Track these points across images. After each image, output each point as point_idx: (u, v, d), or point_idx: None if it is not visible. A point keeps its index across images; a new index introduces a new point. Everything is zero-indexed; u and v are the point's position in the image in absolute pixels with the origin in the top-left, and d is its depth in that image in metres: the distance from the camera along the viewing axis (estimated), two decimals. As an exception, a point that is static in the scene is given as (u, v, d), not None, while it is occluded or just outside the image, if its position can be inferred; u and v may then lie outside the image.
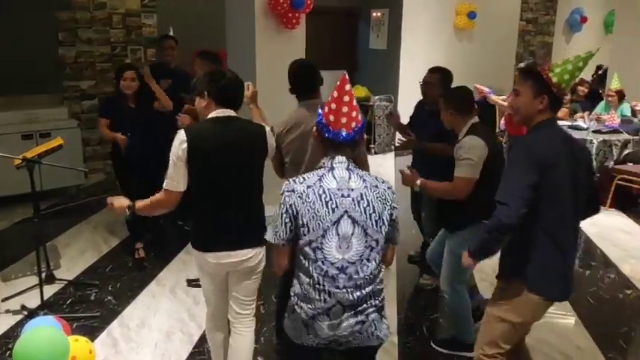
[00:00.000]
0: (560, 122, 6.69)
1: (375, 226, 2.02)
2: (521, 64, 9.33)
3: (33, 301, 3.80)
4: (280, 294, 3.20)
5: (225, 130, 2.50)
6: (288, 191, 2.02)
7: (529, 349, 3.36)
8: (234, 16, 5.69)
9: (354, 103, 2.03)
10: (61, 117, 6.41)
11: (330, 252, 1.99)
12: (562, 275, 2.41)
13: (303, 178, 2.05)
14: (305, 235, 2.00)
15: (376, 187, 2.06)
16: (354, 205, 2.00)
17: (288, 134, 2.96)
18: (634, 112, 6.92)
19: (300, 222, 1.99)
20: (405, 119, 4.53)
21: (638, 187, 6.18)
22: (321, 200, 1.98)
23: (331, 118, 2.01)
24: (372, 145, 8.60)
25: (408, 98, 8.29)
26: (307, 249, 2.01)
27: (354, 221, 2.00)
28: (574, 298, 4.15)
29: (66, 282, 4.18)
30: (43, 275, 3.94)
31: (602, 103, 7.26)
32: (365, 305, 2.04)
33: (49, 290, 4.01)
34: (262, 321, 3.71)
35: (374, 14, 9.07)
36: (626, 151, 6.15)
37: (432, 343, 3.54)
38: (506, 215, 2.21)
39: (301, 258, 2.05)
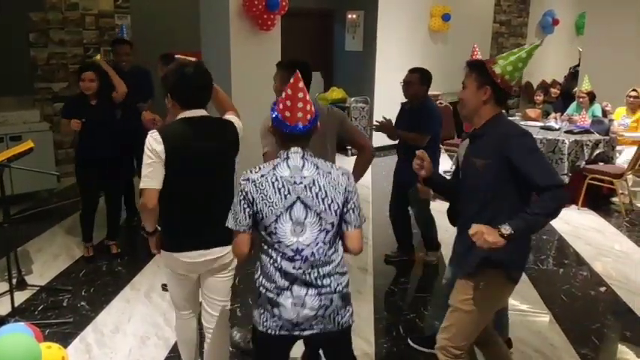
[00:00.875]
0: (532, 123, 6.87)
1: (328, 210, 2.12)
2: None
3: (3, 307, 3.73)
4: None
5: (198, 131, 2.51)
6: (244, 180, 2.13)
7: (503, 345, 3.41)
8: (209, 17, 5.65)
9: (307, 97, 2.12)
10: (32, 119, 6.30)
11: (285, 235, 2.11)
12: (527, 255, 2.50)
13: (259, 167, 2.16)
14: (261, 220, 2.12)
15: (329, 173, 2.16)
16: (306, 191, 2.11)
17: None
18: (604, 113, 7.06)
19: (256, 208, 2.11)
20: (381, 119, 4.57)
21: (609, 187, 6.31)
22: (273, 187, 2.10)
23: (287, 114, 2.10)
24: (348, 147, 8.61)
25: (383, 99, 8.35)
26: (264, 233, 2.14)
27: (307, 206, 2.11)
28: (548, 296, 4.23)
29: (38, 288, 4.10)
30: (14, 281, 3.87)
31: (573, 104, 7.40)
32: (327, 288, 2.13)
33: (21, 296, 3.93)
34: (239, 324, 3.70)
35: (349, 16, 9.10)
36: (597, 151, 6.26)
37: (409, 341, 3.56)
38: (565, 194, 2.25)
39: (262, 241, 2.18)
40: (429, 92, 4.42)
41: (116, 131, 4.54)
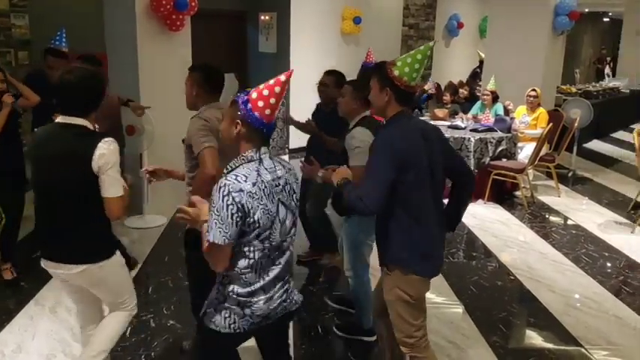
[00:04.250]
0: (440, 122, 7.15)
1: (295, 206, 2.20)
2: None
3: None
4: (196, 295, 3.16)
5: (50, 139, 2.48)
6: (236, 191, 1.96)
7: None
8: (114, 17, 5.44)
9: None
10: None
11: (276, 238, 2.10)
12: (431, 255, 2.59)
13: (244, 175, 2.01)
14: (254, 229, 2.03)
15: (290, 169, 2.22)
16: (283, 191, 2.13)
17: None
18: (506, 112, 7.46)
19: (251, 219, 2.00)
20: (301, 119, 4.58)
21: (512, 181, 6.67)
22: (265, 194, 2.04)
23: (267, 112, 2.03)
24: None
25: (299, 101, 8.36)
26: (255, 241, 2.05)
27: (286, 206, 2.14)
28: (459, 288, 4.41)
29: None
30: None
31: (477, 104, 7.76)
32: (288, 276, 2.23)
33: None
34: (152, 335, 3.58)
35: (262, 17, 9.06)
36: (500, 148, 6.60)
37: (334, 328, 3.70)
38: (361, 210, 2.39)
39: (243, 248, 2.06)
40: None
41: (18, 142, 4.19)
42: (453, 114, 7.63)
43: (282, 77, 2.05)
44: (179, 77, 5.65)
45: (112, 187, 2.46)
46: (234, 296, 2.10)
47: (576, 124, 7.54)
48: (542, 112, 7.10)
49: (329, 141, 4.11)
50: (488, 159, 6.51)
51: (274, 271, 2.14)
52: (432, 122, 7.20)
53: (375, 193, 2.35)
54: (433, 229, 2.56)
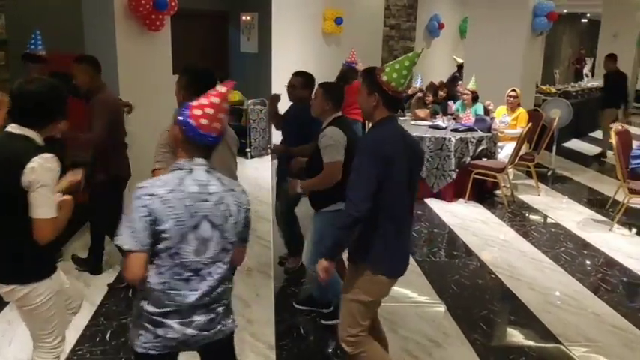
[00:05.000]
0: (421, 122, 7.18)
1: (231, 229, 2.05)
2: None
3: None
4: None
5: None
6: (147, 195, 1.90)
7: (403, 339, 3.55)
8: (93, 16, 5.37)
9: (227, 108, 2.02)
10: None
11: (188, 256, 1.97)
12: (401, 255, 2.68)
13: (163, 181, 1.95)
14: (164, 240, 1.93)
15: (232, 190, 2.07)
16: (214, 209, 1.99)
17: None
18: (487, 112, 7.52)
19: (161, 228, 1.91)
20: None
21: (493, 181, 6.73)
22: (181, 205, 1.93)
23: (203, 121, 1.94)
24: (247, 150, 8.56)
25: (281, 101, 8.36)
26: (164, 254, 1.96)
27: (213, 225, 2.00)
28: (440, 287, 4.43)
29: None
30: None
31: (458, 103, 7.82)
32: (215, 304, 2.08)
33: None
34: None
35: (243, 17, 9.04)
36: (481, 148, 6.66)
37: (294, 303, 3.98)
38: (356, 210, 2.42)
39: (154, 261, 1.97)
40: None
41: None
42: (434, 114, 7.67)
43: (222, 88, 1.99)
44: (159, 77, 5.66)
45: (42, 207, 2.23)
46: (146, 313, 2.00)
47: (555, 124, 7.64)
48: (521, 112, 7.17)
49: (296, 151, 4.10)
50: (468, 159, 6.56)
51: (190, 298, 1.99)
52: (414, 122, 7.30)
53: (364, 191, 2.43)
54: (406, 231, 2.68)
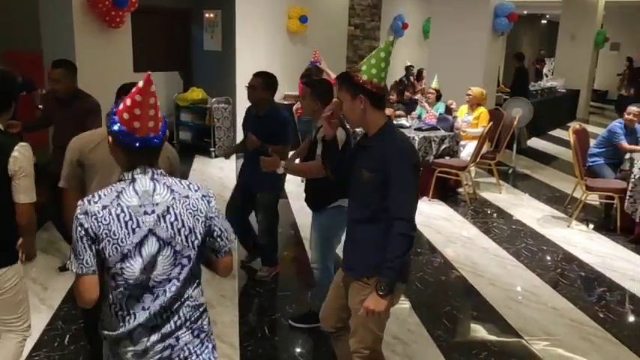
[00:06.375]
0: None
1: (185, 242, 1.79)
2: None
3: None
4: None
5: None
6: (81, 214, 1.72)
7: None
8: (49, 14, 5.23)
9: (158, 102, 1.77)
10: None
11: (133, 275, 1.75)
12: (409, 261, 2.61)
13: (99, 195, 1.75)
14: (104, 260, 1.75)
15: (187, 197, 1.81)
16: (160, 221, 1.76)
17: (95, 151, 2.62)
18: (449, 111, 7.62)
19: (99, 246, 1.72)
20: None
21: (455, 179, 6.83)
22: (119, 221, 1.72)
23: (136, 124, 1.73)
24: (212, 149, 8.47)
25: (246, 100, 8.30)
26: (107, 276, 1.78)
27: (160, 239, 1.76)
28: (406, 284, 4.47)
29: None
30: None
31: (419, 109, 7.88)
32: (173, 327, 1.83)
33: None
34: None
35: (206, 15, 8.93)
36: (444, 146, 6.73)
37: (290, 322, 3.78)
38: (412, 228, 2.33)
39: (105, 282, 1.82)
40: None
41: None
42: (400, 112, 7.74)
43: (140, 83, 1.72)
44: (120, 75, 5.55)
45: (26, 193, 2.43)
46: (104, 339, 1.86)
47: (515, 123, 7.79)
48: (483, 111, 7.29)
49: (277, 150, 3.92)
50: (432, 157, 6.63)
51: (141, 317, 1.78)
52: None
53: (413, 203, 2.37)
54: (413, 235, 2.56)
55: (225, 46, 8.75)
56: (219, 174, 7.59)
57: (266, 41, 8.94)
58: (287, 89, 8.72)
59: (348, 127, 3.25)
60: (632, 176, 5.55)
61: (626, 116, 6.37)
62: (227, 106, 8.54)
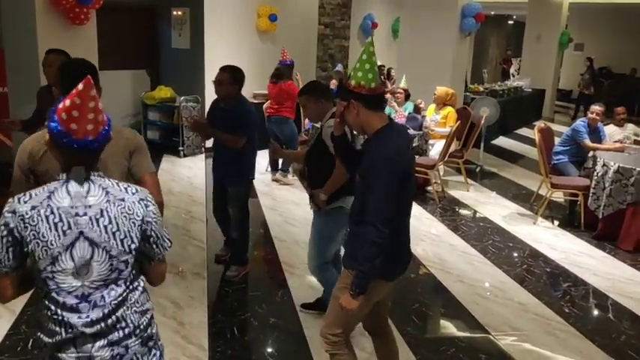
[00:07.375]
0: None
1: (121, 246, 1.74)
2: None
3: None
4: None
5: None
6: (8, 212, 1.68)
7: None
8: (11, 10, 5.10)
9: (100, 106, 1.73)
10: None
11: (66, 280, 1.69)
12: (401, 257, 2.67)
13: (30, 195, 1.70)
14: (34, 263, 1.70)
15: (122, 200, 1.76)
16: (92, 224, 1.70)
17: (48, 156, 2.32)
18: (418, 110, 7.69)
19: (27, 249, 1.68)
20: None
21: (424, 177, 6.89)
22: (48, 223, 1.67)
23: (73, 126, 1.68)
24: (180, 148, 8.37)
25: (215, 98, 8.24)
26: (39, 280, 1.72)
27: (93, 243, 1.70)
28: (374, 283, 4.49)
29: None
30: None
31: (388, 109, 7.94)
32: (121, 334, 1.77)
33: None
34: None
35: (174, 12, 8.82)
36: (413, 145, 6.80)
37: (299, 309, 3.94)
38: (382, 237, 2.34)
39: (38, 287, 1.76)
40: None
41: None
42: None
43: (80, 86, 1.69)
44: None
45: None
46: (43, 346, 1.76)
47: (483, 121, 7.91)
48: (450, 110, 7.38)
49: (224, 137, 4.14)
50: (401, 156, 6.67)
51: (79, 324, 1.71)
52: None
53: (386, 212, 2.35)
54: (406, 231, 2.64)
55: (194, 44, 8.65)
56: (188, 173, 7.51)
57: (235, 39, 8.88)
58: (256, 88, 8.68)
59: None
60: (595, 174, 5.70)
61: (589, 115, 6.53)
62: (196, 105, 8.45)
